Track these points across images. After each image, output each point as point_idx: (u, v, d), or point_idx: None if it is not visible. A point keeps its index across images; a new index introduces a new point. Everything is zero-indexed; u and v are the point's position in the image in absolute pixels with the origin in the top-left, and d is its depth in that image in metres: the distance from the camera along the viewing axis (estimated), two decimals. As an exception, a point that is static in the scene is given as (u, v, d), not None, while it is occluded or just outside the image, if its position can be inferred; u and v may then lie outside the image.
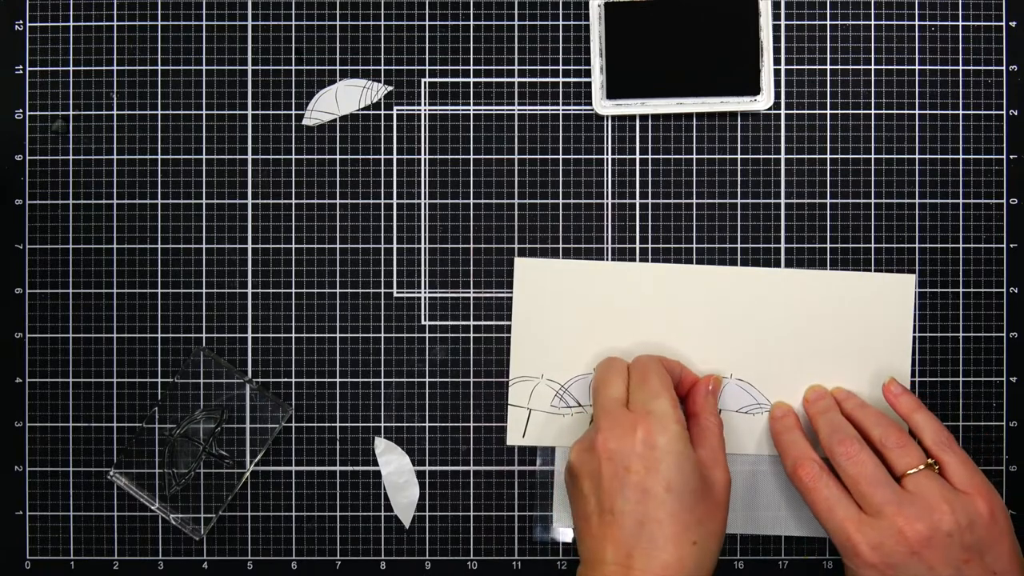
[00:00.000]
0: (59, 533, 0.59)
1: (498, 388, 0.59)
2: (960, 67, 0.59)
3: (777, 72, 0.59)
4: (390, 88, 0.59)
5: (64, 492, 0.59)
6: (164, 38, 0.59)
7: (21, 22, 0.59)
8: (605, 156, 0.59)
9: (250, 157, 0.59)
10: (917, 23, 0.59)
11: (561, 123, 0.59)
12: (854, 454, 0.53)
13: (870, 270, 0.59)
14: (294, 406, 0.59)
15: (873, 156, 0.59)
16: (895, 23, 0.59)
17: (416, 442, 0.59)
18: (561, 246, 0.59)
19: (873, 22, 0.59)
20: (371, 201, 0.59)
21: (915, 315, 0.59)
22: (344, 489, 0.59)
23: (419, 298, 0.59)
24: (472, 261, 0.59)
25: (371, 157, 0.59)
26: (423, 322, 0.59)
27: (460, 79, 0.59)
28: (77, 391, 0.59)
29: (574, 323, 0.59)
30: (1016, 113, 0.59)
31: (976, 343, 0.59)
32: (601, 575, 0.50)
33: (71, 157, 0.59)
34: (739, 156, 0.59)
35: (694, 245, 0.59)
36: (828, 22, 0.59)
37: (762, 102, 0.58)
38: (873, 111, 0.59)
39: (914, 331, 0.59)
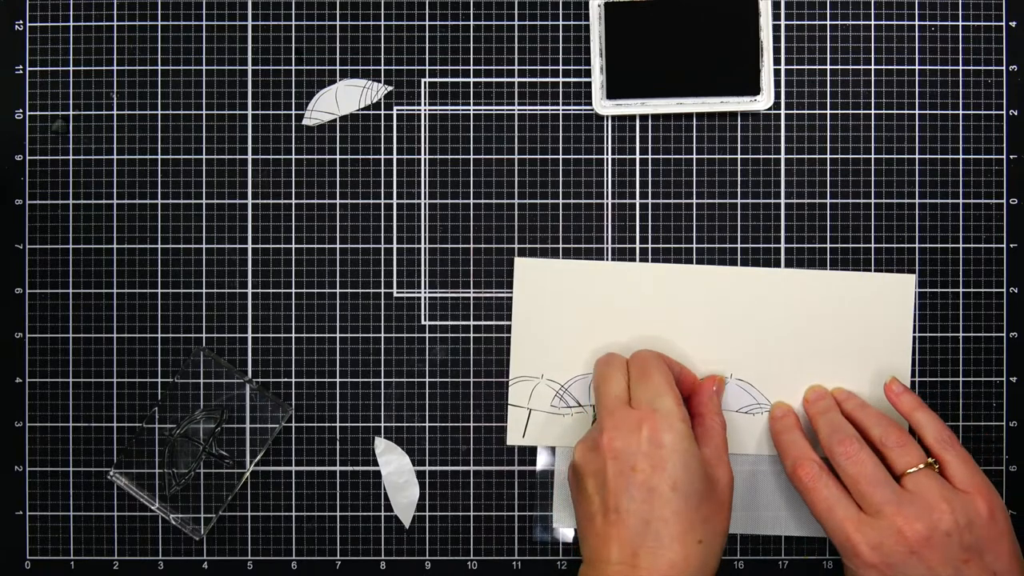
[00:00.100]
0: (59, 533, 0.59)
1: (498, 388, 0.59)
2: (960, 67, 0.59)
3: (777, 72, 0.59)
4: (390, 88, 0.59)
5: (64, 492, 0.59)
6: (164, 38, 0.59)
7: (21, 22, 0.59)
8: (605, 156, 0.59)
9: (250, 157, 0.59)
10: (917, 23, 0.59)
11: (561, 123, 0.59)
12: (853, 453, 0.53)
13: (870, 270, 0.59)
14: (294, 406, 0.59)
15: (873, 156, 0.59)
16: (895, 23, 0.59)
17: (416, 442, 0.59)
18: (561, 246, 0.59)
19: (873, 22, 0.59)
20: (371, 201, 0.59)
21: (915, 315, 0.59)
22: (344, 489, 0.59)
23: (419, 298, 0.59)
24: (472, 261, 0.59)
25: (371, 157, 0.59)
26: (423, 322, 0.59)
27: (460, 79, 0.59)
28: (77, 391, 0.59)
29: (574, 323, 0.59)
30: (1016, 113, 0.59)
31: (976, 343, 0.59)
32: (606, 575, 0.50)
33: (71, 157, 0.59)
34: (739, 156, 0.59)
35: (694, 245, 0.59)
36: (828, 22, 0.59)
37: (762, 102, 0.58)
38: (873, 111, 0.59)
39: (914, 331, 0.59)
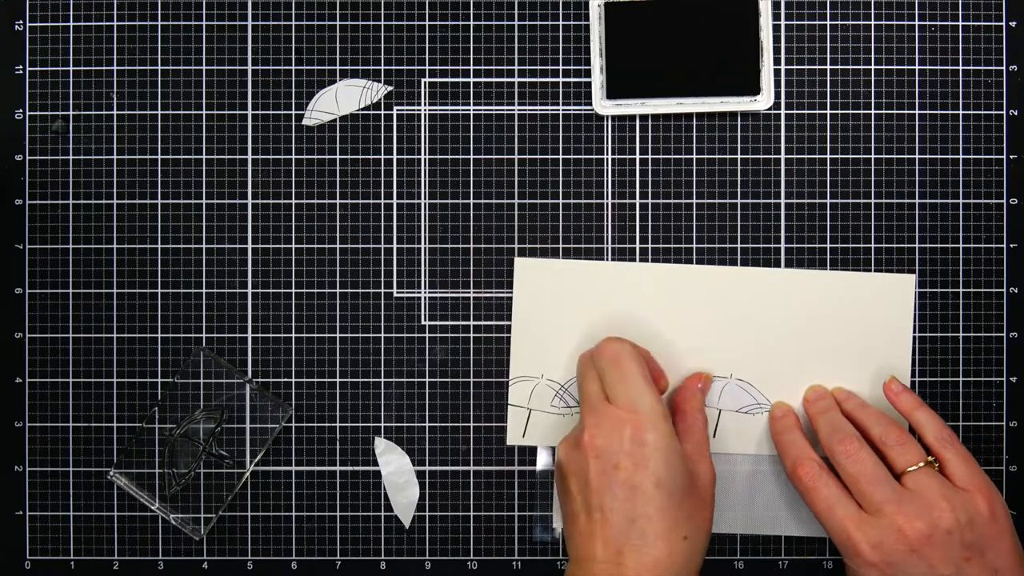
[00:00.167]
0: (59, 533, 0.59)
1: (498, 388, 0.59)
2: (960, 67, 0.59)
3: (777, 72, 0.59)
4: (390, 88, 0.59)
5: (64, 492, 0.59)
6: (164, 38, 0.59)
7: (21, 22, 0.59)
8: (605, 156, 0.59)
9: (250, 157, 0.59)
10: (917, 23, 0.59)
11: (561, 123, 0.59)
12: (853, 452, 0.53)
13: (870, 270, 0.59)
14: (294, 406, 0.59)
15: (873, 156, 0.59)
16: (895, 23, 0.59)
17: (416, 442, 0.59)
18: (561, 246, 0.59)
19: (873, 22, 0.59)
20: (371, 201, 0.59)
21: (915, 315, 0.59)
22: (344, 489, 0.59)
23: (419, 298, 0.59)
24: (472, 261, 0.59)
25: (371, 157, 0.59)
26: (423, 322, 0.59)
27: (460, 79, 0.59)
28: (77, 391, 0.59)
29: (574, 323, 0.59)
30: (1016, 113, 0.59)
31: (976, 343, 0.59)
32: (592, 573, 0.50)
33: (71, 157, 0.59)
34: (739, 156, 0.59)
35: (694, 245, 0.59)
36: (828, 22, 0.59)
37: (762, 102, 0.58)
38: (873, 111, 0.59)
39: (914, 331, 0.59)
